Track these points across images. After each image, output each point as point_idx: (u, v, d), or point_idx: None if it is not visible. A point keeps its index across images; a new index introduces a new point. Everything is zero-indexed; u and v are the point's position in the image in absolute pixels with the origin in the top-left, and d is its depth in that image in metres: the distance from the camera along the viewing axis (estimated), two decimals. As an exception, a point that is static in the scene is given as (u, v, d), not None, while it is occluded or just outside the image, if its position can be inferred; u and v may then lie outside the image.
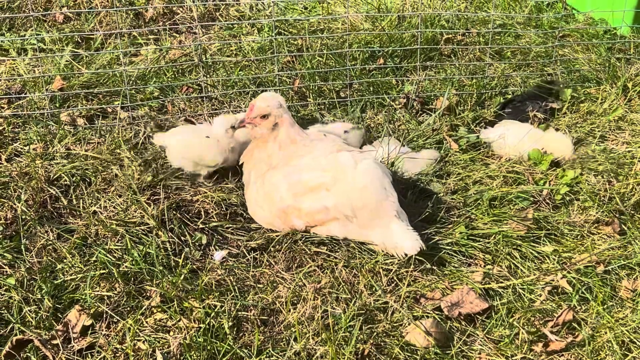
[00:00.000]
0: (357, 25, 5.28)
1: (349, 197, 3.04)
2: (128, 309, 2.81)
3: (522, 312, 2.82)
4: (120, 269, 2.96)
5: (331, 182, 3.08)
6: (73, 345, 2.64)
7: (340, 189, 3.06)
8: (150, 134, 3.89)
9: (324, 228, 3.14)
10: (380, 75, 4.72)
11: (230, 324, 2.71)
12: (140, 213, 3.29)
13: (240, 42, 5.10)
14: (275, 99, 3.35)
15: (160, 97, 4.42)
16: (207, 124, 3.80)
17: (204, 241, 3.21)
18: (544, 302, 2.90)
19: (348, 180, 3.06)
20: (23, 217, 3.26)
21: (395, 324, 2.76)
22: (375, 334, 2.70)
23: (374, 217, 3.03)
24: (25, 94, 4.36)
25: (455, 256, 3.13)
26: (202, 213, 3.38)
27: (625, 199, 3.51)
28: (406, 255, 2.94)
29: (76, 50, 4.92)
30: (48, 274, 2.96)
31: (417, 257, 2.97)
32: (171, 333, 2.69)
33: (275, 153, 3.30)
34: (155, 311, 2.79)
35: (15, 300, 2.80)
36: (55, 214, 3.37)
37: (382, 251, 3.04)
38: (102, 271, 2.94)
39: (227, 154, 3.63)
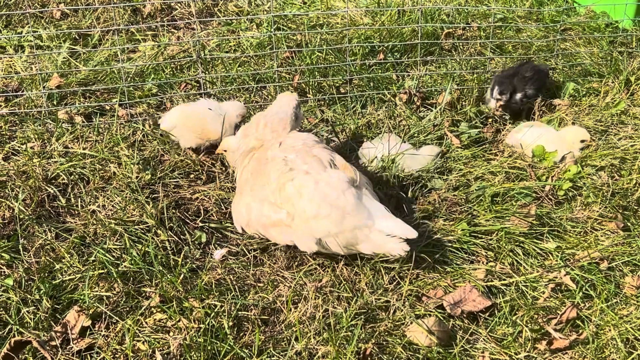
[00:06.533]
0: (357, 20, 5.24)
1: (309, 231, 2.89)
2: (127, 309, 2.79)
3: (525, 310, 2.80)
4: (119, 268, 2.94)
5: (288, 219, 2.92)
6: (72, 347, 2.62)
7: (297, 223, 2.90)
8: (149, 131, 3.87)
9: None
10: (380, 71, 4.69)
11: (230, 323, 2.69)
12: (139, 212, 3.26)
13: (239, 38, 5.06)
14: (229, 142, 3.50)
15: (159, 94, 4.38)
16: (212, 100, 3.92)
17: (204, 239, 3.19)
18: (547, 299, 2.87)
19: (300, 213, 2.89)
20: (21, 216, 3.24)
21: (397, 323, 2.74)
22: (377, 333, 2.68)
23: (347, 238, 2.86)
24: (23, 91, 4.32)
25: (457, 253, 3.10)
26: (202, 211, 3.35)
27: (629, 194, 3.48)
28: (400, 256, 2.86)
29: (73, 47, 4.88)
30: (46, 274, 2.93)
31: (419, 254, 2.94)
32: (171, 333, 2.67)
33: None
34: (154, 311, 2.76)
35: (13, 301, 2.77)
36: (53, 213, 3.34)
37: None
38: (100, 271, 2.91)
39: (231, 131, 3.74)
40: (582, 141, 3.83)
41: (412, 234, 2.81)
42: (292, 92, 3.68)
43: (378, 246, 2.85)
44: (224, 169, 3.68)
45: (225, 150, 3.56)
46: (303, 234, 2.91)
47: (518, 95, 4.18)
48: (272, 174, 3.01)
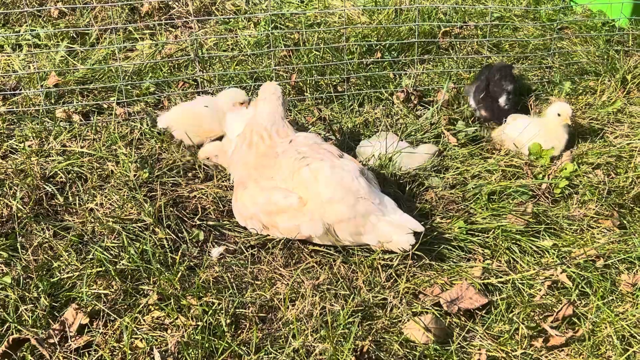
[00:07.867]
0: (354, 19, 5.25)
1: (320, 214, 2.93)
2: (125, 307, 2.79)
3: (521, 307, 2.81)
4: (117, 266, 2.94)
5: (300, 203, 2.96)
6: (70, 344, 2.62)
7: (310, 207, 2.95)
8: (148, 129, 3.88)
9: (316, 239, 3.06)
10: (377, 69, 4.69)
11: (228, 321, 2.70)
12: (137, 210, 3.27)
13: (236, 37, 5.06)
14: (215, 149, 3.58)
15: (156, 92, 4.39)
16: (208, 96, 3.99)
17: (201, 237, 3.19)
18: (543, 296, 2.88)
19: (314, 197, 2.95)
20: (19, 214, 3.24)
21: (394, 320, 2.75)
22: (374, 330, 2.69)
23: (357, 225, 2.92)
24: (20, 90, 4.32)
25: (454, 251, 3.11)
26: (199, 209, 3.36)
27: (625, 192, 3.50)
28: (405, 250, 2.91)
29: (71, 45, 4.88)
30: (44, 272, 2.93)
31: (416, 252, 2.95)
32: (169, 331, 2.67)
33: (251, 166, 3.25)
34: (152, 309, 2.77)
35: (11, 299, 2.77)
36: (51, 211, 3.34)
37: (381, 249, 3.00)
38: (98, 269, 2.92)
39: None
40: (559, 115, 3.81)
41: (420, 227, 2.88)
42: (277, 84, 3.64)
43: (385, 236, 2.89)
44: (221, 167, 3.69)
45: (208, 158, 3.62)
46: (313, 218, 2.94)
47: (502, 99, 4.16)
48: (285, 163, 3.08)
